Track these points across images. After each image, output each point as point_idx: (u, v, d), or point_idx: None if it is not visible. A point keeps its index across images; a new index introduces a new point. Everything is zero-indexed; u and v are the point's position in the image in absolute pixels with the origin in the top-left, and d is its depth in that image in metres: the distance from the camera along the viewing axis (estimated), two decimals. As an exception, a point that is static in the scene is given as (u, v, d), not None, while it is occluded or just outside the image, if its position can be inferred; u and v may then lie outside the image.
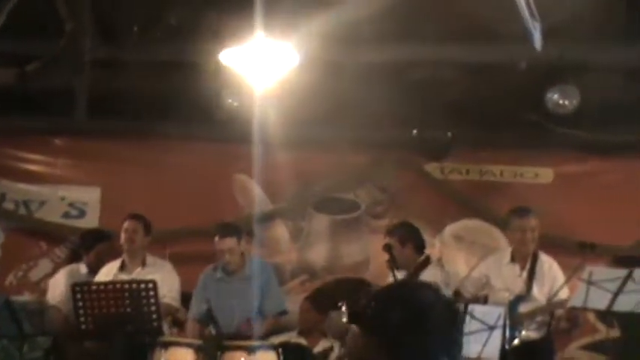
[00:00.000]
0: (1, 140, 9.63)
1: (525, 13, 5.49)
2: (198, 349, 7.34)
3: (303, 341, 8.23)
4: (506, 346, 7.17)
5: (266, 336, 7.89)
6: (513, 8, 6.59)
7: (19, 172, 9.86)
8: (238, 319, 7.92)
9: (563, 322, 8.00)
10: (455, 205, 9.69)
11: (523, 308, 7.67)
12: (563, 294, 7.71)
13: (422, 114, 8.91)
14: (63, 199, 9.88)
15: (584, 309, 7.46)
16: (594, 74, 8.40)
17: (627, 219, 9.39)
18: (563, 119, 8.69)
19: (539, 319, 7.74)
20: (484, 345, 6.96)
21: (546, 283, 7.86)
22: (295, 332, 8.59)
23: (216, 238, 7.99)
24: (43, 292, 8.98)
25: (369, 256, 9.63)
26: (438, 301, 2.73)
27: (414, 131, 9.04)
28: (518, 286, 7.85)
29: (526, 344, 7.48)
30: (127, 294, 7.46)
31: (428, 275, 7.98)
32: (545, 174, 9.70)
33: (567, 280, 7.74)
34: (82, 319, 7.52)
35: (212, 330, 7.57)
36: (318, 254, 9.78)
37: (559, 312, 7.77)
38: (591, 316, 8.72)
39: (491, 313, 7.06)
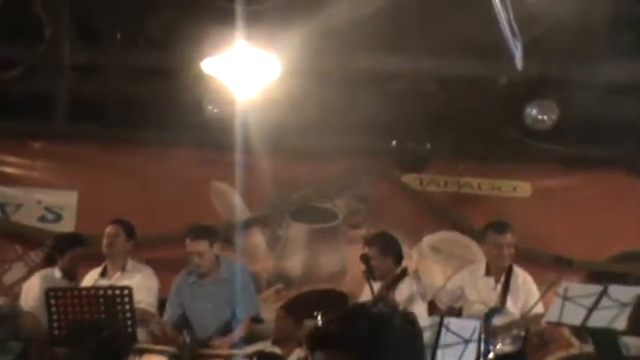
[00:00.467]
0: (-21, 143, 9.60)
1: (507, 32, 5.50)
2: (172, 357, 7.30)
3: (277, 350, 8.21)
4: (481, 360, 7.19)
5: (241, 342, 7.86)
6: (495, 23, 6.62)
7: (-4, 175, 9.83)
8: (212, 323, 7.89)
9: (536, 338, 8.04)
10: (432, 217, 9.72)
11: (497, 321, 7.69)
12: (538, 309, 7.74)
13: (402, 125, 8.93)
14: (39, 202, 9.82)
15: (559, 324, 7.48)
16: (573, 90, 8.43)
17: (604, 234, 9.46)
18: (541, 134, 8.72)
19: (514, 332, 7.76)
20: (459, 358, 6.97)
21: (520, 296, 7.90)
22: (270, 341, 8.58)
23: (188, 240, 7.96)
24: (17, 296, 8.89)
25: (346, 266, 9.64)
26: (396, 314, 2.75)
27: (394, 142, 9.05)
28: (493, 299, 7.88)
29: (501, 358, 7.49)
30: (101, 300, 7.42)
31: (405, 287, 7.99)
32: (524, 188, 9.74)
33: (543, 295, 7.77)
34: (56, 324, 7.48)
35: (186, 337, 7.54)
36: (295, 263, 9.77)
37: (534, 328, 7.80)
38: (566, 331, 8.76)
39: (467, 326, 7.06)
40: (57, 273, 8.60)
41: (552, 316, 7.32)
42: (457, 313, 7.96)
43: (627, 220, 9.45)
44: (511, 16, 5.55)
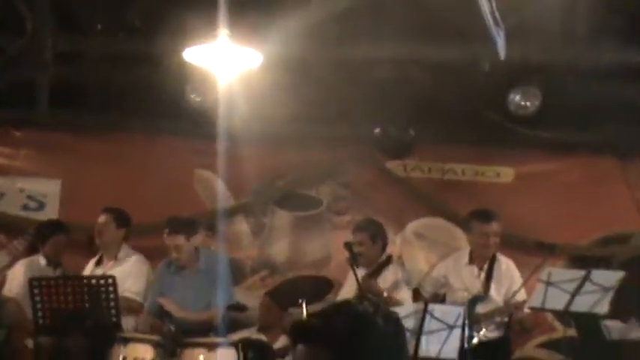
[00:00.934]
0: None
1: (489, 20, 5.49)
2: (157, 345, 7.30)
3: (263, 337, 8.23)
4: (465, 346, 7.22)
5: (222, 330, 7.85)
6: (477, 9, 6.61)
7: (-22, 164, 9.79)
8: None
9: (518, 325, 8.08)
10: (416, 203, 9.72)
11: (481, 308, 7.71)
12: (521, 296, 7.76)
13: (384, 112, 8.93)
14: (22, 191, 9.79)
15: (543, 309, 7.52)
16: (556, 75, 8.45)
17: (586, 219, 9.50)
18: (525, 120, 8.73)
19: (497, 319, 7.80)
20: (443, 344, 7.01)
21: (504, 283, 7.93)
22: (255, 328, 8.60)
23: (165, 233, 7.95)
24: (1, 284, 8.90)
25: (331, 253, 9.64)
26: (379, 312, 2.77)
27: (377, 129, 9.05)
28: (476, 286, 7.91)
29: (484, 344, 7.53)
30: (85, 289, 7.42)
31: (389, 274, 8.03)
32: (506, 173, 9.75)
33: (526, 281, 7.80)
34: (40, 313, 7.47)
35: (171, 326, 7.55)
36: (279, 250, 9.77)
37: (518, 315, 7.84)
38: (549, 316, 8.78)
39: (451, 312, 7.10)
40: (41, 260, 8.63)
41: (535, 301, 7.37)
42: (441, 299, 7.99)
43: (610, 205, 9.48)
44: (494, 4, 5.54)
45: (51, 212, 9.67)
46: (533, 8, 7.41)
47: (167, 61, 7.98)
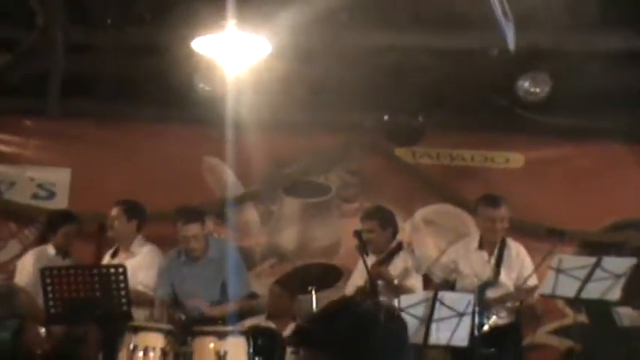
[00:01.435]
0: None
1: (499, 12, 5.45)
2: (168, 334, 7.31)
3: (272, 325, 8.24)
4: (476, 333, 7.22)
5: (235, 318, 7.88)
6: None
7: (-11, 153, 9.82)
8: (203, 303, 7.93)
9: (529, 310, 8.08)
10: (425, 190, 9.73)
11: (491, 294, 7.71)
12: (532, 281, 7.76)
13: (393, 99, 8.91)
14: (32, 180, 9.84)
15: (553, 296, 7.51)
16: (566, 61, 8.41)
17: (596, 204, 9.49)
18: (534, 106, 8.71)
19: (508, 305, 7.80)
20: (454, 331, 7.01)
21: (514, 268, 7.91)
22: (264, 316, 8.61)
23: (180, 224, 7.95)
24: (11, 273, 8.96)
25: (340, 240, 9.66)
26: (380, 311, 2.77)
27: (386, 117, 9.03)
28: (486, 272, 7.90)
29: (495, 330, 7.53)
30: (96, 278, 7.42)
31: (400, 261, 8.02)
32: (516, 159, 9.75)
33: (537, 267, 7.79)
34: (51, 302, 7.47)
35: (182, 315, 7.56)
36: (288, 238, 9.79)
37: (528, 301, 7.84)
38: (560, 302, 8.79)
39: (461, 299, 7.09)
40: (51, 250, 8.65)
41: (546, 288, 7.36)
42: (451, 286, 7.98)
43: (620, 190, 9.47)
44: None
45: (61, 201, 9.71)
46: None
47: (176, 50, 7.97)
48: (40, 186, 9.83)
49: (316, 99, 8.78)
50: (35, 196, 9.83)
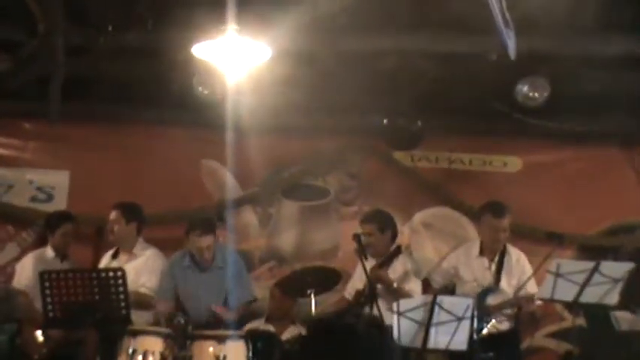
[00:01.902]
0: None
1: (499, 21, 5.45)
2: (167, 338, 7.31)
3: (271, 328, 8.24)
4: (474, 337, 7.22)
5: (236, 324, 7.88)
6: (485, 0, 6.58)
7: (-13, 156, 9.82)
8: (205, 309, 7.92)
9: (527, 315, 8.08)
10: (424, 193, 9.74)
11: (491, 300, 7.72)
12: (531, 288, 7.76)
13: (392, 103, 8.92)
14: (31, 182, 9.85)
15: (552, 300, 7.51)
16: (564, 66, 8.43)
17: (594, 208, 9.52)
18: (532, 110, 8.73)
19: (507, 311, 7.80)
20: (452, 336, 7.00)
21: (514, 275, 7.92)
22: (263, 319, 8.62)
23: (195, 235, 7.93)
24: (10, 276, 8.95)
25: (339, 243, 9.67)
26: (360, 322, 2.79)
27: (385, 120, 9.04)
28: (487, 278, 7.90)
29: (493, 335, 7.53)
30: (95, 282, 7.40)
31: (399, 264, 8.02)
32: (514, 163, 9.77)
33: (535, 271, 7.79)
34: (50, 306, 7.44)
35: (181, 319, 7.56)
36: (287, 241, 9.80)
37: (528, 307, 7.84)
38: (558, 306, 8.81)
39: (460, 304, 7.08)
40: (49, 252, 8.66)
41: (545, 293, 7.36)
42: (450, 291, 7.99)
43: (618, 194, 9.50)
44: (503, 3, 5.50)
45: (59, 204, 9.71)
46: (540, -1, 7.39)
47: (175, 54, 7.98)
48: (38, 189, 9.84)
49: (315, 103, 8.79)
50: (34, 199, 9.83)
